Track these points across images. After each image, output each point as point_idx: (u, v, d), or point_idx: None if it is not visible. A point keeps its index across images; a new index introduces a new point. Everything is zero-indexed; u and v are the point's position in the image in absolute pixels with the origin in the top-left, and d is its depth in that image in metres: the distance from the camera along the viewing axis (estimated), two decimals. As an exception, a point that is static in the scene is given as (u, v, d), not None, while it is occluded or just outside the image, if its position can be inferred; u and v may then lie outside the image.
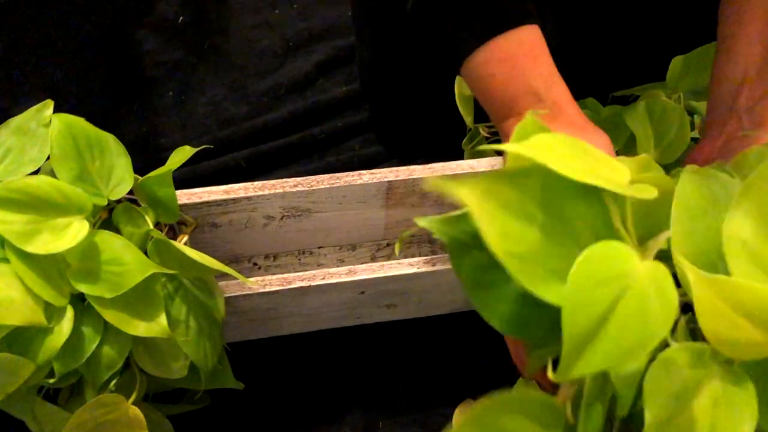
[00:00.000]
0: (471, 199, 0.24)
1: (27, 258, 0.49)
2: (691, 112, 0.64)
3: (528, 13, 0.50)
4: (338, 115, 0.92)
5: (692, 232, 0.26)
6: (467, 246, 0.27)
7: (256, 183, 0.67)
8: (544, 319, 0.25)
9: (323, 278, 0.62)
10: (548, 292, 0.23)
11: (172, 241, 0.53)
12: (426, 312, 0.74)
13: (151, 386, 0.59)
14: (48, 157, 0.53)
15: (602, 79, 0.72)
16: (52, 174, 0.53)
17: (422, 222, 0.28)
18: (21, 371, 0.49)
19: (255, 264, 0.78)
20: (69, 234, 0.50)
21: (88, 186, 0.53)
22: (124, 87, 0.94)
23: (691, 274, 0.22)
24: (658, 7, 0.70)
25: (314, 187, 0.67)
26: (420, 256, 0.77)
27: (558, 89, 0.49)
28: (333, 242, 0.78)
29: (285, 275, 0.62)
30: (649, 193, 0.25)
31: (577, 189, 0.25)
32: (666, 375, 0.22)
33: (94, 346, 0.52)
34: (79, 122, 0.55)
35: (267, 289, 0.62)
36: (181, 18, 1.01)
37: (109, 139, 0.55)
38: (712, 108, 0.53)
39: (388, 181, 0.68)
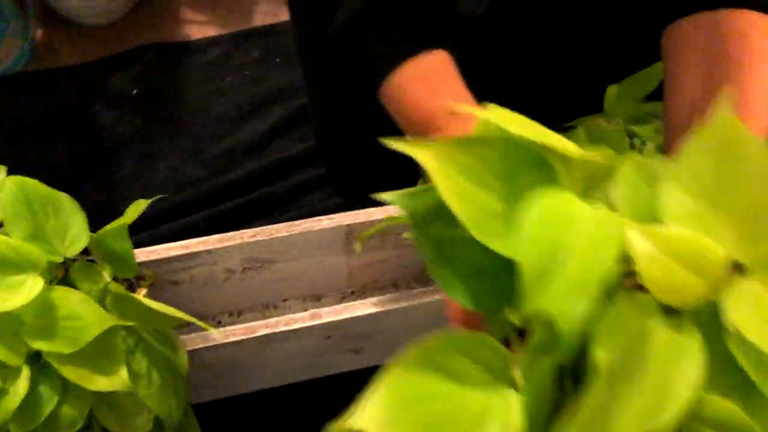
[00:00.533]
0: (431, 162, 0.25)
1: (-20, 319, 0.48)
2: (631, 135, 0.66)
3: (435, 39, 0.53)
4: (296, 172, 0.93)
5: (633, 198, 0.27)
6: (428, 219, 0.29)
7: (215, 236, 0.67)
8: (502, 290, 0.26)
9: (287, 324, 0.62)
10: (502, 246, 0.24)
11: (130, 293, 0.53)
12: (395, 354, 0.73)
13: (115, 448, 0.57)
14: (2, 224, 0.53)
15: (546, 116, 0.75)
16: (6, 235, 0.53)
17: (387, 196, 0.29)
18: (-25, 437, 0.48)
19: (219, 322, 0.77)
20: (23, 291, 0.49)
21: (43, 244, 0.53)
22: (83, 160, 0.95)
23: (631, 227, 0.24)
24: (597, 46, 0.74)
25: (273, 236, 0.67)
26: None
27: (471, 105, 0.51)
28: (297, 294, 0.78)
29: (248, 324, 0.62)
30: (598, 157, 0.26)
31: (530, 159, 0.26)
32: (615, 324, 0.23)
33: (52, 405, 0.51)
34: (31, 183, 0.55)
35: (230, 339, 0.61)
36: (135, 91, 1.03)
37: (63, 198, 0.56)
38: (668, 137, 0.54)
39: (347, 225, 0.69)
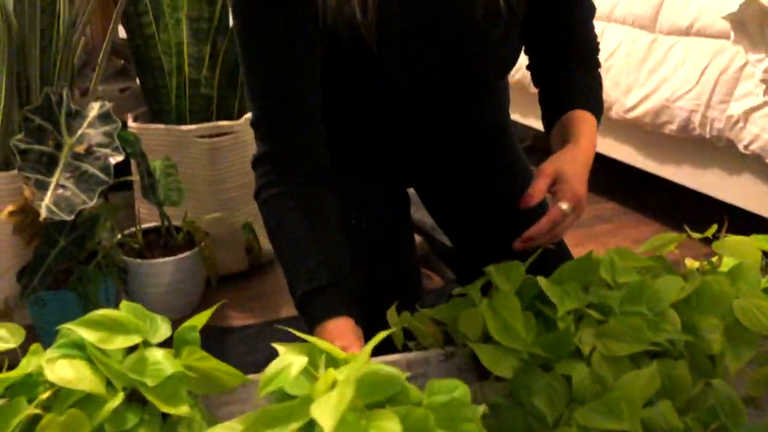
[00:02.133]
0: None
1: (102, 355, 0.73)
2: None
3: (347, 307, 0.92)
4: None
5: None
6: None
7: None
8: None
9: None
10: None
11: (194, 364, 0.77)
12: None
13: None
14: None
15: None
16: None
17: None
18: (81, 429, 0.68)
19: None
20: (129, 341, 0.75)
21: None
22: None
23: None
24: None
25: None
26: None
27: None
28: None
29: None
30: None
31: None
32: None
33: (134, 422, 0.71)
34: (136, 305, 0.84)
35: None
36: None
37: (156, 316, 0.84)
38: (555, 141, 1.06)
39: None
